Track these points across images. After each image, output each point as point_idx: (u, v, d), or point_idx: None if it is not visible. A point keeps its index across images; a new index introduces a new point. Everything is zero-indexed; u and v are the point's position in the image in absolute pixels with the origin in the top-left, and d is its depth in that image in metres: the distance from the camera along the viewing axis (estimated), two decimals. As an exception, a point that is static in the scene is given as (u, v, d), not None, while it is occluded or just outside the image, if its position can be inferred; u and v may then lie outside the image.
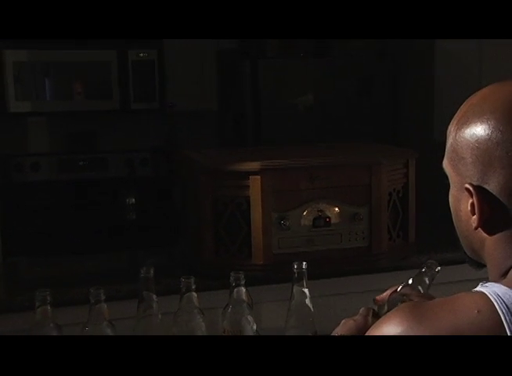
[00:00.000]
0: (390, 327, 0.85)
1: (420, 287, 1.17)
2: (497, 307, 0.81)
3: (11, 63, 3.47)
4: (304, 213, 1.64)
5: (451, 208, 0.94)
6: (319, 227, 1.65)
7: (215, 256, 1.65)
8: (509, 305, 0.81)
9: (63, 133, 3.81)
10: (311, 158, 1.66)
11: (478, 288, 0.86)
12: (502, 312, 0.81)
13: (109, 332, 1.42)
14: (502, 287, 0.84)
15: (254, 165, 1.60)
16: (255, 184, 1.59)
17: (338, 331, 1.19)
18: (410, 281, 1.19)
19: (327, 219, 1.65)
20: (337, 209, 1.66)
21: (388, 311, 1.11)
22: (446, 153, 0.93)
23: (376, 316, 1.20)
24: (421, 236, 1.83)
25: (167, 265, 1.75)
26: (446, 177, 0.94)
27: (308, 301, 1.50)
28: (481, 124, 0.86)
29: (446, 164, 0.93)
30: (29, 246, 2.91)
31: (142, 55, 3.65)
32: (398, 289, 1.19)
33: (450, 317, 0.83)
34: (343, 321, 1.22)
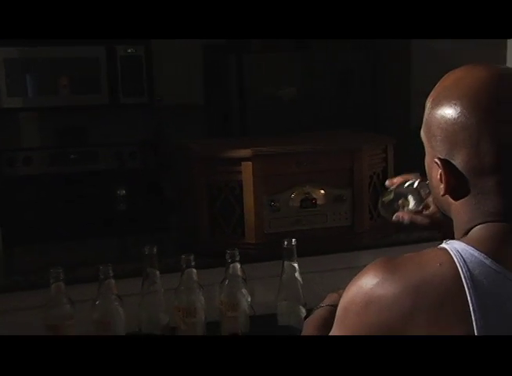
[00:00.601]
0: (367, 279, 0.97)
1: (422, 191, 1.23)
2: (455, 260, 0.93)
3: (2, 60, 3.56)
4: (292, 195, 1.78)
5: (426, 172, 1.07)
6: (306, 208, 1.80)
7: (211, 236, 1.79)
8: (465, 259, 0.93)
9: (53, 128, 3.88)
10: (298, 145, 1.81)
11: (442, 245, 0.98)
12: (460, 265, 0.93)
13: (117, 305, 1.55)
14: (462, 243, 0.96)
15: (246, 152, 1.73)
16: (247, 170, 1.73)
17: (324, 303, 1.34)
18: (416, 184, 1.23)
19: (313, 201, 1.80)
20: (322, 191, 1.80)
21: (393, 200, 1.23)
22: (423, 125, 1.05)
23: None
24: (400, 215, 1.97)
25: (165, 246, 1.87)
26: (422, 145, 1.07)
27: (297, 275, 1.64)
28: (450, 108, 0.98)
29: (422, 135, 1.06)
30: (25, 236, 3.01)
31: (130, 51, 3.73)
32: (405, 185, 1.25)
33: (417, 269, 0.95)
34: (328, 294, 1.37)
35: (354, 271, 1.50)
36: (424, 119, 1.04)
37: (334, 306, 1.30)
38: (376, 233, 1.88)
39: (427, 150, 1.05)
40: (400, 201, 1.25)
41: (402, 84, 2.77)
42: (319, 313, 1.32)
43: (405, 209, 1.25)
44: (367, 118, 3.36)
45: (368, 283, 0.97)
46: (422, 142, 1.07)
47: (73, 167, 3.82)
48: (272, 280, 1.79)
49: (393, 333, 0.94)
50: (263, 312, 1.72)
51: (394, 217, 1.26)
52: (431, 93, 1.04)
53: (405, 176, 1.28)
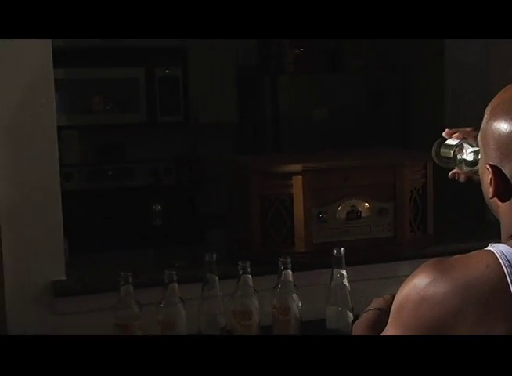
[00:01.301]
0: (420, 279, 1.05)
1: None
2: (501, 261, 1.01)
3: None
4: (339, 208, 1.91)
5: (479, 174, 1.17)
6: (351, 220, 1.91)
7: (263, 246, 1.91)
8: (510, 260, 1.02)
9: (93, 145, 4.02)
10: (345, 161, 1.93)
11: (488, 248, 1.07)
12: (505, 266, 1.01)
13: (180, 307, 1.67)
14: (506, 246, 1.06)
15: (296, 167, 1.86)
16: (297, 183, 1.86)
17: (371, 307, 1.46)
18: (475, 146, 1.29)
19: (358, 213, 1.92)
20: (366, 204, 1.92)
21: (450, 155, 1.30)
22: (480, 131, 1.15)
23: None
24: (438, 228, 2.07)
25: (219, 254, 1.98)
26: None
27: (345, 281, 1.75)
28: (505, 122, 1.08)
29: (479, 140, 1.16)
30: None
31: (167, 71, 3.89)
32: (465, 144, 1.32)
33: (465, 270, 1.03)
34: (374, 299, 1.49)
35: (396, 280, 1.63)
36: (482, 126, 1.14)
37: (380, 310, 1.42)
38: (416, 245, 1.99)
39: (482, 154, 1.15)
40: (457, 158, 1.30)
41: (433, 103, 2.88)
42: (366, 317, 1.41)
43: (460, 165, 1.30)
44: (397, 138, 3.48)
45: (421, 282, 1.05)
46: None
47: (111, 183, 3.94)
48: (319, 287, 1.91)
49: (444, 328, 1.02)
50: (311, 318, 1.84)
51: (450, 174, 1.34)
52: (490, 103, 1.14)
53: (463, 131, 1.35)
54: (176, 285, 1.66)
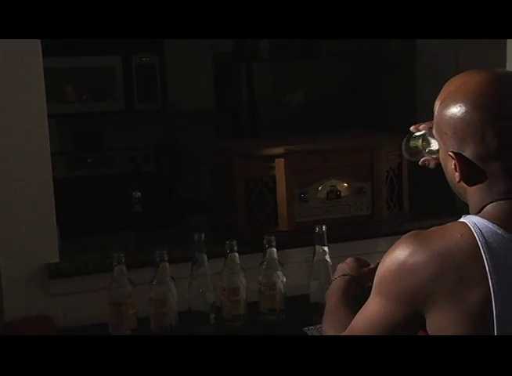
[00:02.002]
0: (400, 251, 1.14)
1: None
2: (473, 231, 1.10)
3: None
4: (320, 188, 2.00)
5: (442, 165, 1.25)
6: (331, 199, 2.01)
7: (248, 226, 2.00)
8: (481, 229, 1.10)
9: (72, 133, 4.06)
10: (325, 143, 2.03)
11: (461, 219, 1.17)
12: (477, 235, 1.10)
13: (171, 285, 1.75)
14: (477, 217, 1.15)
15: (279, 150, 1.95)
16: (280, 165, 1.94)
17: (337, 274, 1.54)
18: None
19: (338, 193, 2.01)
20: (345, 184, 2.02)
21: (419, 145, 1.37)
22: (434, 125, 1.24)
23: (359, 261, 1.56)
24: (413, 206, 2.18)
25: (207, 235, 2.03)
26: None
27: (327, 257, 1.84)
28: (456, 108, 1.16)
29: (435, 133, 1.24)
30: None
31: (144, 59, 3.93)
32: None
33: (442, 240, 1.12)
34: (337, 266, 1.57)
35: (373, 256, 1.74)
36: (435, 121, 1.23)
37: (346, 275, 1.51)
38: (393, 222, 2.09)
39: (441, 146, 1.23)
40: (425, 146, 1.38)
41: (406, 89, 2.97)
42: (336, 285, 1.51)
43: (428, 153, 1.37)
44: (371, 122, 3.58)
45: (401, 253, 1.14)
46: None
47: (90, 171, 3.96)
48: (302, 264, 2.00)
49: (423, 294, 1.11)
50: (295, 293, 1.93)
51: (420, 162, 1.41)
52: (438, 97, 1.23)
53: (429, 123, 1.41)
54: (167, 264, 1.74)
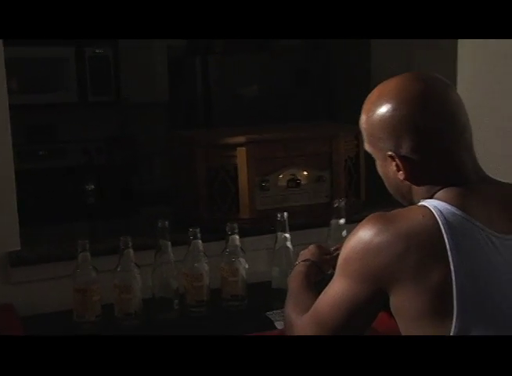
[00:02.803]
0: (365, 231, 1.18)
1: None
2: (434, 212, 1.15)
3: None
4: (280, 176, 2.04)
5: (380, 174, 1.32)
6: (291, 187, 2.05)
7: (210, 214, 2.02)
8: (441, 211, 1.15)
9: (24, 125, 3.99)
10: (285, 133, 2.07)
11: (421, 203, 1.22)
12: (438, 215, 1.14)
13: (136, 272, 1.76)
14: (436, 201, 1.19)
15: (240, 139, 1.98)
16: (241, 154, 1.98)
17: (298, 260, 1.59)
18: None
19: (298, 181, 2.06)
20: (305, 173, 2.07)
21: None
22: (365, 139, 1.29)
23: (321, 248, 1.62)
24: (370, 195, 2.24)
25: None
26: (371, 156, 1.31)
27: (289, 243, 1.88)
28: (383, 109, 1.21)
29: (368, 147, 1.30)
30: None
31: (97, 51, 3.91)
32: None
33: (405, 221, 1.15)
34: (300, 253, 1.62)
35: (332, 242, 1.79)
36: (365, 134, 1.28)
37: (308, 260, 1.56)
38: (351, 210, 2.14)
39: (377, 156, 1.28)
40: None
41: (358, 80, 3.03)
42: (297, 270, 1.55)
43: None
44: (324, 113, 3.63)
45: (366, 234, 1.18)
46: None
47: (42, 163, 3.90)
48: (263, 251, 2.04)
49: (388, 273, 1.15)
50: (256, 280, 1.96)
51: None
52: (362, 112, 1.28)
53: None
54: (131, 250, 1.74)
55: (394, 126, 1.21)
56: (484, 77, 2.32)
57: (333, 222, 1.89)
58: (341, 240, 1.82)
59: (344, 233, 1.86)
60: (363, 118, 1.28)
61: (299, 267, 1.57)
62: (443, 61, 2.35)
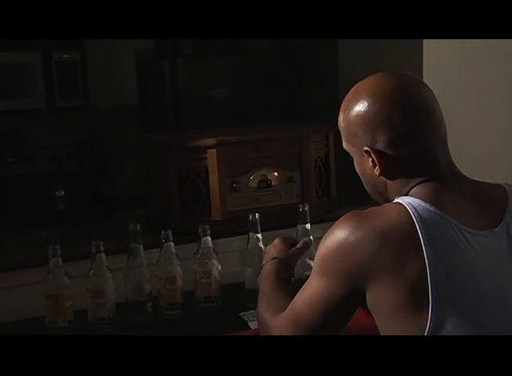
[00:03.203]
0: (340, 230, 1.19)
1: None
2: (408, 209, 1.17)
3: None
4: (251, 177, 2.05)
5: (358, 172, 1.33)
6: (262, 188, 2.06)
7: (182, 216, 2.02)
8: (415, 207, 1.17)
9: (-11, 132, 3.97)
10: (255, 134, 2.08)
11: (395, 200, 1.24)
12: (412, 212, 1.16)
13: (108, 276, 1.76)
14: (410, 198, 1.21)
15: (211, 141, 1.98)
16: (211, 156, 1.98)
17: (265, 260, 1.60)
18: None
19: (269, 182, 2.07)
20: (276, 173, 2.08)
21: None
22: (343, 137, 1.32)
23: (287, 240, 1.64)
24: (341, 194, 2.25)
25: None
26: (349, 154, 1.33)
27: (261, 244, 1.88)
28: (359, 105, 1.24)
29: (346, 145, 1.32)
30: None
31: (64, 56, 3.87)
32: None
33: (380, 218, 1.18)
34: (265, 252, 1.64)
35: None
36: (343, 132, 1.31)
37: (276, 258, 1.57)
38: (322, 209, 2.16)
39: (354, 152, 1.30)
40: None
41: (328, 81, 3.05)
42: (267, 269, 1.55)
43: None
44: (293, 114, 3.65)
45: (341, 232, 1.19)
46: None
47: (10, 170, 3.86)
48: (235, 253, 2.05)
49: (363, 270, 1.16)
50: (229, 281, 1.96)
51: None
52: (340, 112, 1.30)
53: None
54: (103, 255, 1.74)
55: (369, 121, 1.23)
56: (450, 77, 2.36)
57: (299, 227, 1.89)
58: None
59: (311, 237, 1.87)
60: (341, 117, 1.30)
61: (268, 266, 1.57)
62: (410, 61, 2.38)
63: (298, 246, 1.62)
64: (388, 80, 1.26)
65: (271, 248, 1.63)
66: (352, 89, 1.30)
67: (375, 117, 1.23)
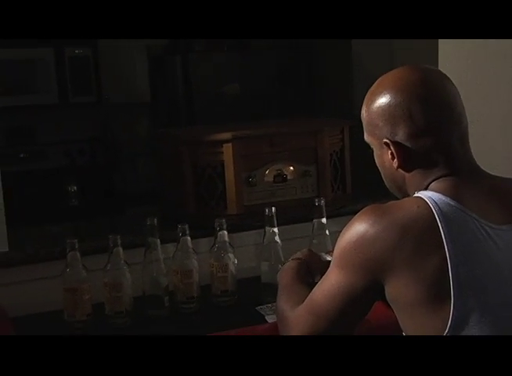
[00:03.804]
0: (360, 223, 1.19)
1: None
2: (429, 203, 1.17)
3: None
4: (267, 172, 2.05)
5: (378, 165, 1.33)
6: (278, 183, 2.07)
7: (198, 211, 2.03)
8: (436, 201, 1.17)
9: (3, 127, 3.97)
10: (271, 128, 2.08)
11: (415, 194, 1.24)
12: (433, 206, 1.16)
13: (125, 269, 1.76)
14: (430, 192, 1.22)
15: (227, 135, 1.99)
16: (228, 150, 1.98)
17: (291, 258, 1.60)
18: None
19: (284, 176, 2.07)
20: (291, 168, 2.08)
21: None
22: (365, 129, 1.32)
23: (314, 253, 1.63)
24: (356, 188, 2.26)
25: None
26: (369, 146, 1.33)
27: (277, 238, 1.89)
28: (382, 98, 1.25)
29: (367, 137, 1.32)
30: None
31: (77, 52, 3.89)
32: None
33: (400, 211, 1.17)
34: (294, 255, 1.62)
35: (320, 237, 1.80)
36: (365, 123, 1.31)
37: (300, 259, 1.57)
38: (337, 203, 2.16)
39: (374, 144, 1.30)
40: None
41: (339, 77, 3.05)
42: (288, 265, 1.56)
43: None
44: (306, 110, 3.65)
45: (361, 226, 1.19)
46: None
47: (24, 165, 3.88)
48: (251, 247, 2.06)
49: (383, 261, 1.16)
50: (246, 276, 1.97)
51: None
52: (364, 103, 1.31)
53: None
54: (121, 249, 1.74)
55: (390, 113, 1.24)
56: (464, 77, 2.35)
57: (315, 221, 1.90)
58: (325, 239, 1.85)
59: (327, 231, 1.88)
60: (363, 109, 1.31)
61: (290, 263, 1.58)
62: (424, 59, 2.37)
63: (325, 258, 1.62)
64: (412, 73, 1.26)
65: (297, 253, 1.62)
66: (376, 82, 1.31)
67: (396, 109, 1.23)
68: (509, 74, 2.42)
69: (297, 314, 1.31)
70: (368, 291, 1.22)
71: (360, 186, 2.28)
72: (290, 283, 1.48)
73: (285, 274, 1.53)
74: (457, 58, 2.32)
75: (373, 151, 1.33)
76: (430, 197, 1.20)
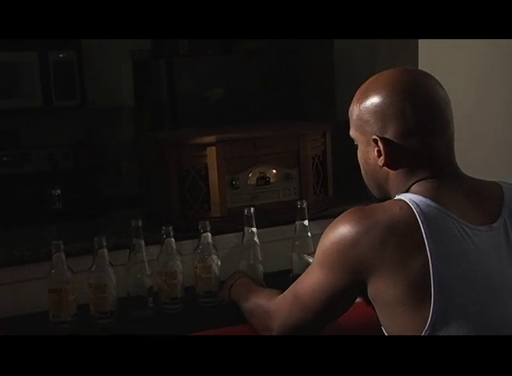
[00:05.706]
0: (343, 225, 1.21)
1: None
2: (410, 204, 1.20)
3: None
4: (250, 175, 2.08)
5: (360, 162, 1.34)
6: (261, 185, 2.10)
7: (182, 213, 2.05)
8: (417, 203, 1.20)
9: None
10: (254, 132, 2.11)
11: (397, 197, 1.27)
12: (414, 207, 1.19)
13: (110, 271, 1.78)
14: (411, 194, 1.25)
15: (211, 139, 2.01)
16: (211, 153, 2.01)
17: (230, 281, 1.70)
18: None
19: (267, 179, 2.10)
20: (274, 171, 2.11)
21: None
22: (352, 124, 1.34)
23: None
24: (338, 191, 2.29)
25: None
26: (353, 142, 1.35)
27: (256, 238, 1.88)
28: (375, 95, 1.27)
29: (354, 132, 1.34)
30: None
31: (61, 55, 3.90)
32: None
33: (383, 213, 1.20)
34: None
35: (303, 239, 1.82)
36: (354, 118, 1.32)
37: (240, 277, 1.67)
38: (319, 207, 2.20)
39: (360, 140, 1.32)
40: None
41: (324, 81, 3.08)
42: (238, 283, 1.67)
43: None
44: (289, 114, 3.67)
45: (344, 226, 1.22)
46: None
47: (7, 169, 3.87)
48: (234, 249, 2.06)
49: (366, 262, 1.19)
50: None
51: None
52: (354, 98, 1.33)
53: None
54: (105, 250, 1.76)
55: (382, 110, 1.26)
56: (445, 77, 2.39)
57: (297, 223, 1.92)
58: (307, 240, 1.88)
59: (309, 233, 1.90)
60: (354, 105, 1.32)
61: (239, 281, 1.69)
62: (405, 60, 2.41)
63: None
64: (407, 75, 1.30)
65: (234, 274, 1.75)
66: (370, 79, 1.33)
67: (389, 107, 1.26)
68: (488, 74, 2.46)
69: (279, 303, 1.35)
70: (349, 289, 1.25)
71: (342, 189, 2.31)
72: (253, 289, 1.54)
73: (240, 287, 1.62)
74: (438, 58, 2.36)
75: (357, 147, 1.35)
76: (411, 199, 1.23)
